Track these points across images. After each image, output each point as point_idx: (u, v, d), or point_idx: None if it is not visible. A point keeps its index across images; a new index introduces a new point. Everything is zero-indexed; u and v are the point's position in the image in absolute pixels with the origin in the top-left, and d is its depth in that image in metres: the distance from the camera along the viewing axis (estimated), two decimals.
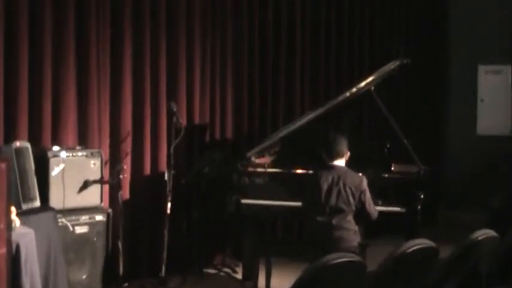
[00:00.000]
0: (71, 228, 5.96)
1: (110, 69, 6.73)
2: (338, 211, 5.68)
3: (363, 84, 6.80)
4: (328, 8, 8.73)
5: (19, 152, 5.57)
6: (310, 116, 6.83)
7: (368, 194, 5.75)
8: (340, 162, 5.82)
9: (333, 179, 5.72)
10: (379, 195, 6.28)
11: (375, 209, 5.85)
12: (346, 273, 3.81)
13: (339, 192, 5.68)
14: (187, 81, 7.27)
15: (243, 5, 7.77)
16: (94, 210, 6.17)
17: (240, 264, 7.19)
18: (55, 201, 5.89)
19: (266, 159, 6.87)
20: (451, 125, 10.36)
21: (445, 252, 4.35)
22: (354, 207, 5.70)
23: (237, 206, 6.53)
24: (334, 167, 5.79)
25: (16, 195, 5.34)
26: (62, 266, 5.52)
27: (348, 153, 5.85)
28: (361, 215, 5.78)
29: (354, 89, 6.80)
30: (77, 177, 6.08)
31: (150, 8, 6.96)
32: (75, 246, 6.02)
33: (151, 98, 7.00)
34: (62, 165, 5.96)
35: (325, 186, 5.71)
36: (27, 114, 6.10)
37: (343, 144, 5.82)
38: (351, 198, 5.67)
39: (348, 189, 5.68)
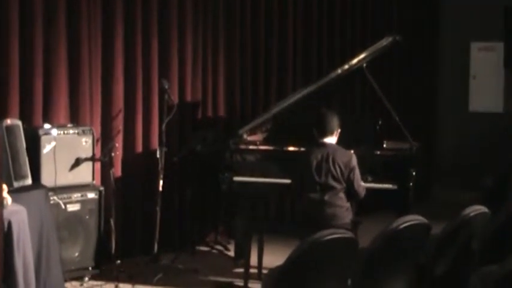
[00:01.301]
0: (63, 206, 5.96)
1: (102, 46, 6.70)
2: (329, 188, 5.68)
3: (355, 61, 6.80)
4: None
5: (10, 129, 5.54)
6: (302, 93, 6.83)
7: (357, 172, 5.74)
8: (331, 140, 5.81)
9: (322, 156, 5.71)
10: (371, 172, 6.28)
11: (363, 188, 5.85)
12: (339, 249, 3.83)
13: (329, 169, 5.68)
14: (179, 58, 7.25)
15: None
16: (86, 188, 6.17)
17: (232, 242, 7.20)
18: (47, 179, 5.88)
19: (258, 137, 6.87)
20: (443, 102, 10.36)
21: (436, 229, 4.37)
22: (344, 184, 5.71)
23: (229, 183, 6.52)
24: (324, 144, 5.78)
25: (7, 173, 5.32)
26: (55, 244, 5.52)
27: (339, 131, 5.84)
28: (348, 193, 5.78)
29: (346, 66, 6.80)
30: (68, 155, 6.07)
31: None
32: (68, 224, 6.02)
33: (143, 75, 6.98)
34: (53, 143, 5.95)
35: (314, 163, 5.71)
36: (18, 92, 6.08)
37: (334, 122, 5.81)
38: (340, 176, 5.67)
39: (337, 166, 5.67)
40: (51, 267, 5.43)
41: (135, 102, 6.93)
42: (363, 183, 5.85)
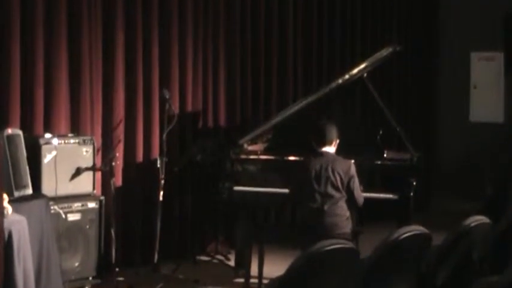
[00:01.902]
0: (63, 216, 5.95)
1: (102, 56, 6.71)
2: (328, 197, 5.68)
3: (355, 71, 6.81)
4: None
5: (11, 139, 5.55)
6: (303, 103, 6.84)
7: (356, 180, 5.75)
8: (329, 149, 5.82)
9: (321, 166, 5.72)
10: (371, 182, 6.28)
11: (362, 196, 5.86)
12: (339, 260, 3.82)
13: (328, 178, 5.68)
14: (179, 68, 7.26)
15: None
16: (86, 198, 6.17)
17: (233, 252, 7.20)
18: (47, 188, 5.87)
19: (259, 146, 6.87)
20: (443, 112, 10.37)
21: (437, 239, 4.36)
22: (344, 193, 5.71)
23: (229, 193, 6.52)
24: (323, 154, 5.79)
25: (8, 183, 5.32)
26: (55, 254, 5.52)
27: (338, 141, 5.85)
28: (348, 201, 5.78)
29: (347, 76, 6.81)
30: (69, 165, 6.07)
31: None
32: (68, 233, 6.02)
33: (143, 85, 6.99)
34: (54, 153, 5.95)
35: (313, 172, 5.71)
36: (19, 102, 6.09)
37: (333, 132, 5.82)
38: (340, 184, 5.68)
39: (336, 175, 5.68)
40: (51, 277, 5.42)
41: (136, 112, 6.93)
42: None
